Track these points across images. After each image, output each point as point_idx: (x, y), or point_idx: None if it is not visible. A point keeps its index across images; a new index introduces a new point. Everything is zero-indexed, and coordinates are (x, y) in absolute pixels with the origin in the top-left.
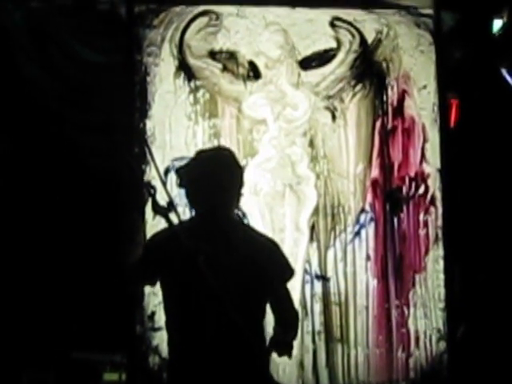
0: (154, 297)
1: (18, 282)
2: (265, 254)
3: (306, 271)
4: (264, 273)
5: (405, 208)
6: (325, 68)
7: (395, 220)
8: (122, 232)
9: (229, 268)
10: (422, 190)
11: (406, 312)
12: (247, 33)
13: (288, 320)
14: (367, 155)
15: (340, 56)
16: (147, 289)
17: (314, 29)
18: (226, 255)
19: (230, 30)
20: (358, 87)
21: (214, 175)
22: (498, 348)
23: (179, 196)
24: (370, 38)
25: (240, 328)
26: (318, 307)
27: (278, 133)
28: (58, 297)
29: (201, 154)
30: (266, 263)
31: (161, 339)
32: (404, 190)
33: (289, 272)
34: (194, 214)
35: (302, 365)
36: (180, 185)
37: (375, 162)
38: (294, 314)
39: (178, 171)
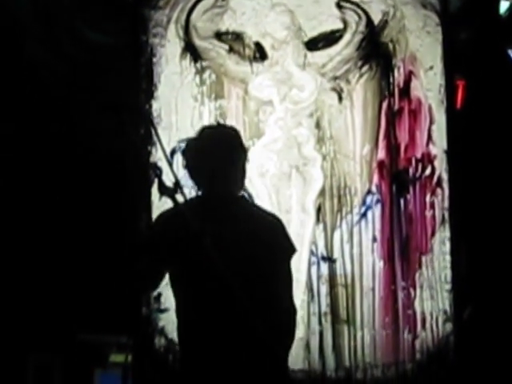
0: None
1: (23, 264)
2: (269, 231)
3: (312, 253)
4: (268, 249)
5: (411, 189)
6: (331, 49)
7: (402, 202)
8: (128, 213)
9: (234, 246)
10: (428, 171)
11: (413, 294)
12: (253, 14)
13: (282, 321)
14: (373, 136)
15: (346, 37)
16: None
17: (320, 10)
18: (232, 233)
19: (236, 11)
20: (365, 68)
21: (218, 152)
22: (505, 329)
23: (185, 177)
24: (376, 19)
25: (249, 310)
26: (324, 289)
27: (284, 114)
28: (63, 278)
29: (204, 130)
30: (271, 240)
31: (167, 320)
32: (410, 171)
33: (291, 249)
34: (198, 191)
35: (308, 346)
36: (186, 166)
37: (382, 143)
38: (292, 311)
39: (184, 151)
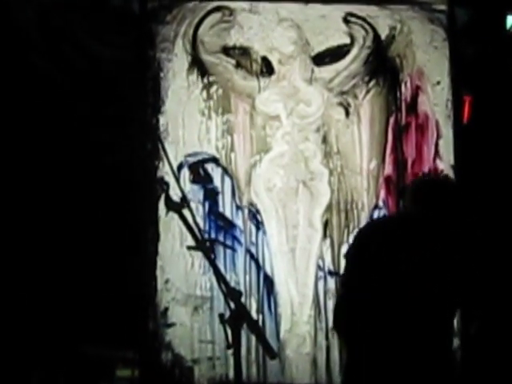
0: (166, 293)
1: (29, 277)
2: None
3: (319, 267)
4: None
5: None
6: (338, 64)
7: None
8: (136, 227)
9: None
10: None
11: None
12: (260, 29)
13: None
14: (381, 151)
15: (353, 52)
16: (160, 285)
17: (327, 24)
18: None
19: (243, 26)
20: (372, 83)
21: (438, 200)
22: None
23: (192, 192)
24: (383, 33)
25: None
26: (331, 304)
27: (291, 129)
28: (70, 292)
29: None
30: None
31: (173, 335)
32: None
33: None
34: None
35: (315, 362)
36: (193, 181)
37: (389, 158)
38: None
39: (192, 167)
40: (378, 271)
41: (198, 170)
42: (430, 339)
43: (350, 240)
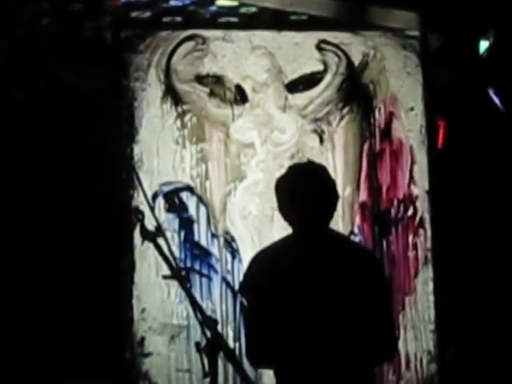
0: (143, 322)
1: (6, 306)
2: (367, 271)
3: None
4: (367, 290)
5: (394, 230)
6: (312, 91)
7: (384, 242)
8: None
9: (334, 286)
10: (410, 212)
11: (396, 334)
12: (234, 57)
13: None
14: (355, 178)
15: (327, 79)
16: (136, 314)
17: (300, 52)
18: (329, 275)
19: (216, 54)
20: (346, 110)
21: (311, 189)
22: (489, 370)
23: (167, 221)
24: (356, 60)
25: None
26: None
27: (265, 156)
28: (46, 324)
29: (294, 168)
30: (369, 280)
31: (150, 365)
32: (393, 212)
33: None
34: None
35: None
36: (168, 210)
37: (363, 184)
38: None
39: (167, 196)
40: (287, 296)
41: (173, 199)
42: (349, 353)
43: None
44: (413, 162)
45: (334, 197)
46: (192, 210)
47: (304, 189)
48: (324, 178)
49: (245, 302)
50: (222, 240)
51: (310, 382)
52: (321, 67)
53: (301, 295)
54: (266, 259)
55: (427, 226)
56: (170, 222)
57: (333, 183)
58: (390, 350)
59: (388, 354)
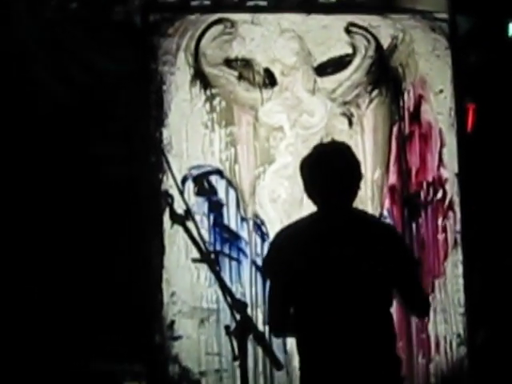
0: (172, 306)
1: (36, 292)
2: (389, 246)
3: None
4: (390, 266)
5: (423, 213)
6: (341, 74)
7: (414, 225)
8: (141, 240)
9: (354, 263)
10: (439, 194)
11: (426, 317)
12: (262, 40)
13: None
14: (384, 161)
15: (356, 62)
16: (166, 298)
17: (329, 35)
18: (352, 251)
19: (245, 38)
20: (375, 93)
21: (334, 168)
22: None
23: (196, 204)
24: (385, 43)
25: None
26: None
27: (294, 140)
28: (77, 307)
29: (319, 148)
30: (392, 255)
31: (180, 348)
32: (422, 195)
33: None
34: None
35: None
36: (197, 193)
37: (393, 167)
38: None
39: (196, 179)
40: (310, 270)
41: (203, 183)
42: (373, 323)
43: None
44: (442, 145)
45: (357, 175)
46: (221, 194)
47: (327, 167)
48: (347, 157)
49: (268, 275)
50: (251, 223)
51: (329, 354)
52: (349, 50)
53: (323, 270)
54: (290, 235)
55: (456, 208)
56: (199, 205)
57: (357, 162)
58: (423, 307)
59: (422, 310)
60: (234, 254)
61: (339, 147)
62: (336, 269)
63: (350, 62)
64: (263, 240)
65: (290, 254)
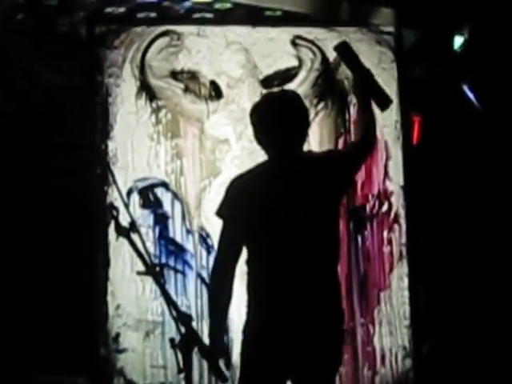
0: (118, 318)
1: None
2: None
3: None
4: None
5: (368, 226)
6: (287, 87)
7: (359, 238)
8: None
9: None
10: (385, 207)
11: (372, 330)
12: (208, 52)
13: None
14: None
15: (302, 74)
16: (111, 310)
17: (275, 47)
18: (302, 194)
19: (191, 50)
20: (320, 106)
21: (283, 113)
22: (463, 365)
23: (142, 217)
24: (331, 56)
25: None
26: None
27: (240, 152)
28: (20, 319)
29: (268, 95)
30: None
31: (125, 361)
32: (367, 207)
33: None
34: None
35: None
36: (143, 205)
37: None
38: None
39: (141, 191)
40: (262, 215)
41: (148, 195)
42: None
43: None
44: (388, 158)
45: (305, 121)
46: (167, 206)
47: (275, 111)
48: (295, 102)
49: (222, 219)
50: (196, 236)
51: (275, 297)
52: (295, 63)
53: (273, 215)
54: (242, 183)
55: (402, 221)
56: (144, 217)
57: (305, 108)
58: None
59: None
60: (180, 267)
61: (288, 94)
62: (285, 213)
63: (295, 75)
64: (209, 252)
65: (243, 200)
